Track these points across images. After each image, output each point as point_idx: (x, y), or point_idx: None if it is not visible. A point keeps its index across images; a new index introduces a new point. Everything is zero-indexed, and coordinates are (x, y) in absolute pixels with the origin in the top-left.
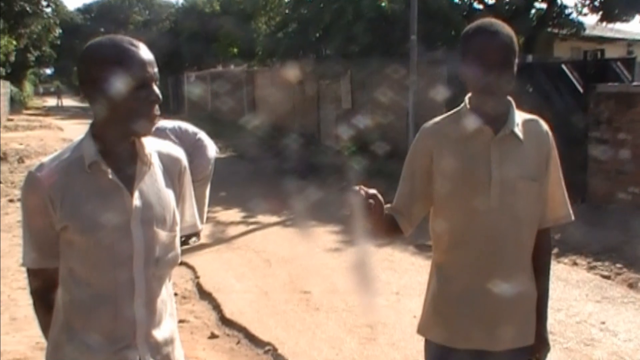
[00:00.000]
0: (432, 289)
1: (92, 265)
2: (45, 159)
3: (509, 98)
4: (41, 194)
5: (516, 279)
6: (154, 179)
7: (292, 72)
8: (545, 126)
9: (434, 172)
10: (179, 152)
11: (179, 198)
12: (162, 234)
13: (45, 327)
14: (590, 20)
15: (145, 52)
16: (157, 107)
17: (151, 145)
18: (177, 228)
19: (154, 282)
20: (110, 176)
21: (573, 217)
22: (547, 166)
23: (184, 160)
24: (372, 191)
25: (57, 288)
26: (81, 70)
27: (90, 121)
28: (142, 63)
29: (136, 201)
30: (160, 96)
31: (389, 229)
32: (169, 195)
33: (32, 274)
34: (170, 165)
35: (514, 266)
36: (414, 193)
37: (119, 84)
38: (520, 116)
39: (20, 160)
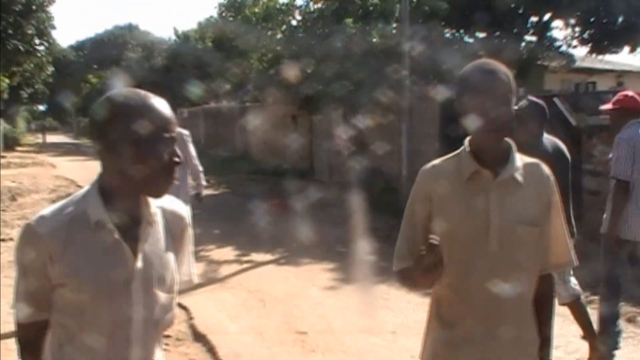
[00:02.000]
0: (432, 333)
1: (86, 324)
2: (45, 211)
3: (509, 141)
4: (40, 249)
5: (517, 325)
6: (157, 238)
7: (284, 107)
8: (546, 170)
9: (433, 216)
10: (182, 210)
11: (177, 254)
12: (162, 296)
13: None
14: (580, 52)
15: (169, 111)
16: (176, 169)
17: (155, 202)
18: (176, 288)
19: (151, 343)
20: (115, 236)
21: (576, 263)
22: (548, 211)
23: (187, 218)
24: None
25: (45, 337)
26: (99, 119)
27: (82, 157)
28: (167, 122)
29: (139, 262)
30: (182, 159)
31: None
32: (170, 255)
33: (24, 326)
34: (173, 223)
35: (514, 311)
36: (417, 239)
37: (143, 140)
38: (521, 159)
39: (13, 199)
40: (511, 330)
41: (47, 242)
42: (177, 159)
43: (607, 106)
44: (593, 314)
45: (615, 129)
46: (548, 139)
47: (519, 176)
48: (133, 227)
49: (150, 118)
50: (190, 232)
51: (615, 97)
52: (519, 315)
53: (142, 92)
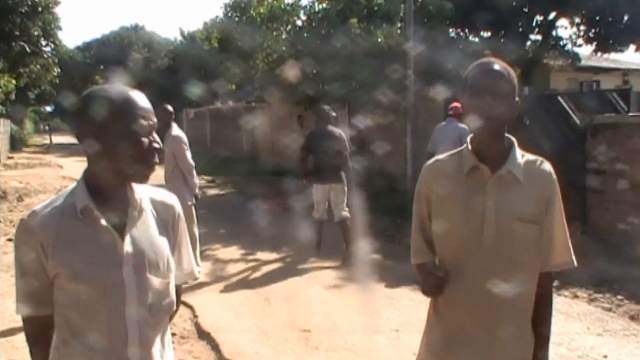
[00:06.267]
0: (430, 329)
1: (85, 313)
2: (37, 207)
3: (511, 137)
4: (33, 241)
5: (514, 323)
6: (147, 224)
7: (289, 108)
8: (548, 168)
9: (432, 214)
10: (172, 199)
11: (175, 245)
12: (155, 281)
13: None
14: (585, 50)
15: (146, 102)
16: (157, 155)
17: (143, 192)
18: (172, 275)
19: (149, 330)
20: (102, 222)
21: (576, 264)
22: (547, 209)
23: (178, 207)
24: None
25: (51, 334)
26: (80, 113)
27: None
28: (144, 111)
29: (127, 247)
30: (161, 145)
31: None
32: (162, 242)
33: (28, 321)
34: (163, 213)
35: (512, 310)
36: (427, 236)
37: (123, 130)
38: (523, 156)
39: (20, 199)
40: (508, 329)
41: (39, 234)
42: (156, 145)
43: None
44: (596, 312)
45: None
46: None
47: (517, 173)
48: (121, 214)
49: (129, 109)
50: (184, 223)
51: None
52: (516, 314)
53: (121, 86)
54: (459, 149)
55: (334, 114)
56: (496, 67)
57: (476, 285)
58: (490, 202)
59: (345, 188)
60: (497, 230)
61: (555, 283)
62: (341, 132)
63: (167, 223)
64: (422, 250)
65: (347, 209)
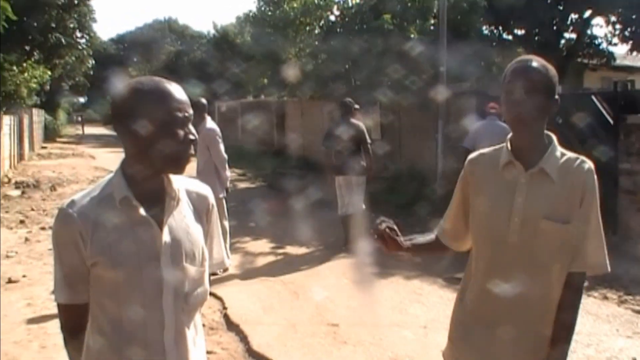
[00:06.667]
0: (452, 314)
1: (122, 301)
2: (76, 196)
3: (551, 135)
4: (72, 230)
5: (529, 321)
6: (183, 215)
7: (321, 103)
8: (587, 167)
9: (468, 202)
10: (206, 190)
11: (207, 235)
12: (192, 269)
13: None
14: (620, 50)
15: (182, 93)
16: (192, 147)
17: (179, 182)
18: (206, 264)
19: (184, 317)
20: (140, 211)
21: (609, 269)
22: (580, 208)
23: (211, 198)
24: (390, 225)
25: (86, 323)
26: (118, 105)
27: (121, 149)
28: (180, 102)
29: (165, 237)
30: (197, 136)
31: (432, 248)
32: (198, 231)
33: (64, 309)
34: (198, 203)
35: (529, 307)
36: (458, 215)
37: (159, 122)
38: (563, 155)
39: (53, 189)
40: (523, 327)
41: (78, 223)
42: (191, 137)
43: None
44: (626, 314)
45: None
46: None
47: (551, 171)
48: (158, 205)
49: (165, 101)
50: (216, 214)
51: None
52: (534, 313)
53: (157, 78)
54: (502, 144)
55: (356, 106)
56: (534, 64)
57: (501, 276)
58: (519, 198)
59: (364, 179)
60: (523, 227)
61: (585, 284)
62: (360, 123)
63: (201, 213)
64: (439, 226)
65: (362, 203)
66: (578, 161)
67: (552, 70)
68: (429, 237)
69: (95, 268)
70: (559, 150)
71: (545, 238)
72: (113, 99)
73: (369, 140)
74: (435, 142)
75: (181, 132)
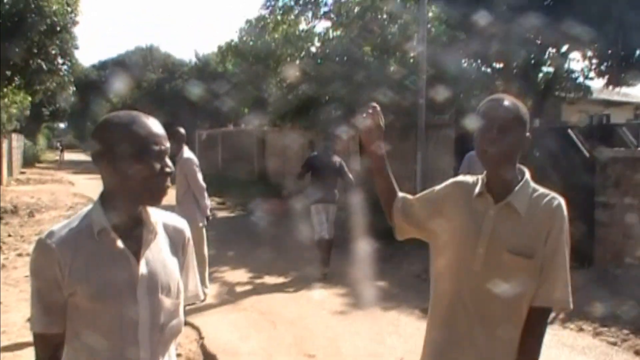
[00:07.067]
0: (427, 336)
1: (99, 331)
2: (55, 227)
3: (524, 170)
4: (51, 260)
5: (494, 349)
6: (160, 247)
7: (302, 132)
8: (556, 204)
9: (442, 217)
10: (183, 224)
11: (183, 268)
12: (167, 302)
13: None
14: (597, 84)
15: (159, 127)
16: (169, 179)
17: (157, 215)
18: (182, 296)
19: (159, 348)
20: (118, 243)
21: (571, 306)
22: (546, 244)
23: (187, 232)
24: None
25: (62, 353)
26: (96, 139)
27: (100, 176)
28: (157, 136)
29: (142, 269)
30: (173, 168)
31: (387, 189)
32: (174, 264)
33: (40, 338)
34: (174, 236)
35: (492, 335)
36: (423, 205)
37: (135, 155)
38: (535, 191)
39: (31, 214)
40: (488, 354)
41: (57, 254)
42: (168, 170)
43: None
44: (601, 346)
45: None
46: None
47: (518, 206)
48: (135, 237)
49: (142, 135)
50: (192, 247)
51: None
52: (497, 342)
53: (135, 112)
54: (483, 175)
55: (338, 134)
56: (506, 102)
57: (466, 303)
58: (486, 229)
59: (335, 208)
60: (487, 257)
61: (561, 315)
62: (338, 158)
63: (177, 246)
64: (405, 196)
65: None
66: (548, 197)
67: (523, 108)
68: (395, 186)
69: (73, 298)
70: (531, 186)
71: (508, 269)
72: (93, 132)
73: (348, 172)
74: (414, 173)
75: (157, 165)
